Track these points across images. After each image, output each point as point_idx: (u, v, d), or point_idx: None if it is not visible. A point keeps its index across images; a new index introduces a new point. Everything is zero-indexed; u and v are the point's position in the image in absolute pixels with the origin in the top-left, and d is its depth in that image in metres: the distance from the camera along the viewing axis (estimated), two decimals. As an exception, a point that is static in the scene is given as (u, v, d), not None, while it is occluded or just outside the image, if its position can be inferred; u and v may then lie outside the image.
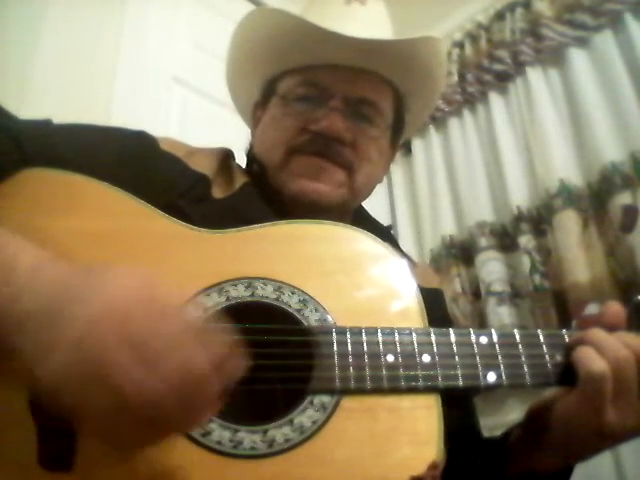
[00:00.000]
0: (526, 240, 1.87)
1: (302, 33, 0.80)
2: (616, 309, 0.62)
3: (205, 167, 0.78)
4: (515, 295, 1.89)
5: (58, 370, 0.41)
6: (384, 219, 2.34)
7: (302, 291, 0.59)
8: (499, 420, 1.59)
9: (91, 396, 0.41)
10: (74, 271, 0.46)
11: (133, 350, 0.40)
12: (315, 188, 0.80)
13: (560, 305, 1.74)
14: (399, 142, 0.96)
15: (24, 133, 0.67)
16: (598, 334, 0.58)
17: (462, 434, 0.73)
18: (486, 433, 0.83)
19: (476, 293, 1.98)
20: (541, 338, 0.60)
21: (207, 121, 1.79)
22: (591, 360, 0.56)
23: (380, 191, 2.38)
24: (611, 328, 0.60)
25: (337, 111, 0.81)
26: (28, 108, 1.34)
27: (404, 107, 0.91)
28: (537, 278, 1.81)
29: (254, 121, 0.93)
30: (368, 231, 0.66)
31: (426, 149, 2.33)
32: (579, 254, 1.72)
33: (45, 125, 0.73)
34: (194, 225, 0.63)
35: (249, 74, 0.92)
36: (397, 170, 2.47)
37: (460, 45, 2.29)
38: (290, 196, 0.81)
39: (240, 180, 0.81)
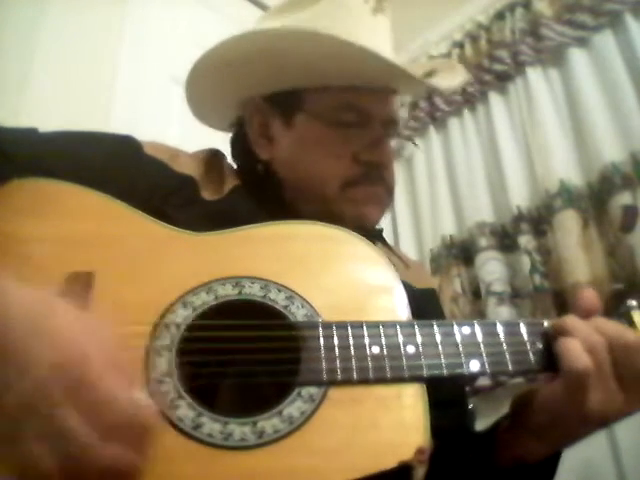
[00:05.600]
0: (526, 240, 1.87)
1: (341, 53, 0.74)
2: (589, 295, 0.62)
3: (190, 169, 0.77)
4: (515, 295, 1.89)
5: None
6: (384, 219, 2.33)
7: (289, 289, 0.60)
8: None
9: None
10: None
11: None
12: (376, 216, 0.83)
13: (560, 305, 1.73)
14: None
15: (11, 142, 0.67)
16: (571, 321, 0.59)
17: (455, 433, 0.73)
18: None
19: (476, 293, 1.98)
20: (522, 327, 0.60)
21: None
22: (575, 355, 0.56)
23: (380, 191, 2.39)
24: (587, 314, 0.60)
25: (384, 138, 0.83)
26: (28, 106, 1.36)
27: None
28: (537, 278, 1.81)
29: (261, 128, 0.86)
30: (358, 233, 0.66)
31: (426, 149, 2.33)
32: (579, 254, 1.72)
33: (31, 134, 0.73)
34: (181, 228, 0.63)
35: (248, 77, 0.84)
36: (397, 170, 2.46)
37: (460, 45, 2.29)
38: (347, 221, 0.76)
39: (231, 182, 0.80)
